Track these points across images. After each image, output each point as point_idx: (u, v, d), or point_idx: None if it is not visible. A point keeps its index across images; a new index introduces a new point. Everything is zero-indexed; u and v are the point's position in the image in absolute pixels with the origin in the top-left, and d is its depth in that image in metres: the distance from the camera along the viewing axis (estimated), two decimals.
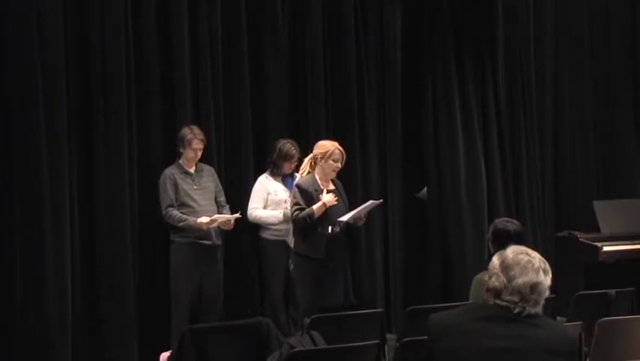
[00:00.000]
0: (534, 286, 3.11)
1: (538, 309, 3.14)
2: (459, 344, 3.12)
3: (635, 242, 8.04)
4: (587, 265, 7.96)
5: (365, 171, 7.94)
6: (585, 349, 5.07)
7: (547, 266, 3.18)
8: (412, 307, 5.86)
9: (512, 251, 3.19)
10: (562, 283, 7.55)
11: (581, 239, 8.07)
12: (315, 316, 5.48)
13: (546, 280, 3.14)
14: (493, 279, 3.15)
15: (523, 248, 3.22)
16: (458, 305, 3.48)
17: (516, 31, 8.50)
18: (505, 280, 3.12)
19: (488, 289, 3.16)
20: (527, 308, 3.10)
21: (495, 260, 3.19)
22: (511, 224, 5.28)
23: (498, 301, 3.12)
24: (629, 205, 8.35)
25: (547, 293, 3.15)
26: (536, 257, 3.17)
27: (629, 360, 4.93)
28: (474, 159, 8.13)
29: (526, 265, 3.13)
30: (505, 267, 3.14)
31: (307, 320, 5.35)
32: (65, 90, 6.62)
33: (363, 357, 4.69)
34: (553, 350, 3.11)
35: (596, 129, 8.94)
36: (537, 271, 3.13)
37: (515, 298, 3.10)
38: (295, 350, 4.84)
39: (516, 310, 3.10)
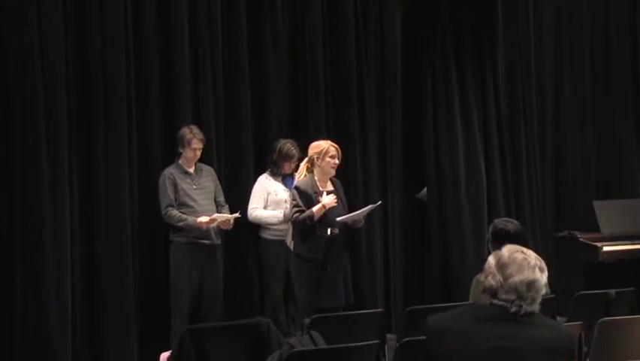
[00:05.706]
0: (530, 284, 3.11)
1: (535, 307, 3.13)
2: (458, 347, 3.11)
3: (635, 242, 8.03)
4: (587, 265, 7.95)
5: (365, 171, 7.94)
6: (585, 349, 5.08)
7: (543, 264, 3.18)
8: (412, 307, 5.86)
9: (508, 250, 3.18)
10: (562, 283, 7.63)
11: (581, 239, 8.06)
12: (315, 316, 5.48)
13: (542, 277, 3.14)
14: (490, 278, 3.15)
15: (518, 247, 3.21)
16: (457, 306, 3.47)
17: (516, 31, 8.50)
18: (501, 278, 3.11)
19: (484, 289, 3.15)
20: (524, 307, 3.10)
21: (491, 260, 3.18)
22: (511, 224, 5.27)
23: (495, 301, 3.12)
24: (629, 205, 8.34)
25: (543, 291, 3.15)
26: (532, 255, 3.17)
27: (629, 360, 4.93)
28: (474, 160, 8.13)
29: (522, 262, 3.13)
30: (501, 266, 3.14)
31: (307, 320, 5.35)
32: (65, 90, 6.63)
33: (363, 357, 4.69)
34: (550, 349, 3.10)
35: (596, 129, 8.94)
36: (533, 268, 3.12)
37: (512, 297, 3.10)
38: (295, 350, 4.84)
39: (513, 310, 3.10)
